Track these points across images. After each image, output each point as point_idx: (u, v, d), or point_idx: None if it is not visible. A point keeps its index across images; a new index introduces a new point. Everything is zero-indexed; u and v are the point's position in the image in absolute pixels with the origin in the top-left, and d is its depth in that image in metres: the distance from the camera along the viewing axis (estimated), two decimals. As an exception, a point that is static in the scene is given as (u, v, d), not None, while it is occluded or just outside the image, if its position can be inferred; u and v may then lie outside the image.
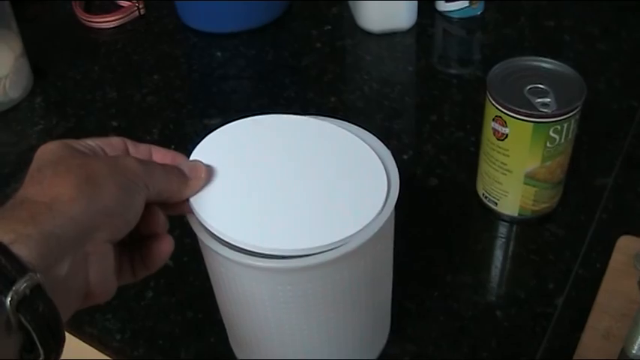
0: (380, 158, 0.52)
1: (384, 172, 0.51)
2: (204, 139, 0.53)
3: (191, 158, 0.51)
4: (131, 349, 0.63)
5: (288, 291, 0.48)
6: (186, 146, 0.53)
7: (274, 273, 0.48)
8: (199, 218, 0.48)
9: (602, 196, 0.72)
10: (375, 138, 0.54)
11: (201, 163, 0.50)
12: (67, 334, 0.65)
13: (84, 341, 0.65)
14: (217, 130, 0.54)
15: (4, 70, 0.91)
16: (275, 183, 0.50)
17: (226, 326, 0.59)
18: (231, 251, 0.47)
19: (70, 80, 0.97)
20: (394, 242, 0.55)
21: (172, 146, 0.81)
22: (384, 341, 0.61)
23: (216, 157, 0.51)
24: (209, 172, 0.50)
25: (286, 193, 0.49)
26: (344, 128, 0.55)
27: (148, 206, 0.46)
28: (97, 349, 0.65)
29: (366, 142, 0.53)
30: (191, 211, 0.49)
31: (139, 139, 0.84)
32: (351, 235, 0.47)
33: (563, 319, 0.62)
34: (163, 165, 0.48)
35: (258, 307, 0.51)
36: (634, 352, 0.39)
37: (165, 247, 0.49)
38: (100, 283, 0.43)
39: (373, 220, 0.48)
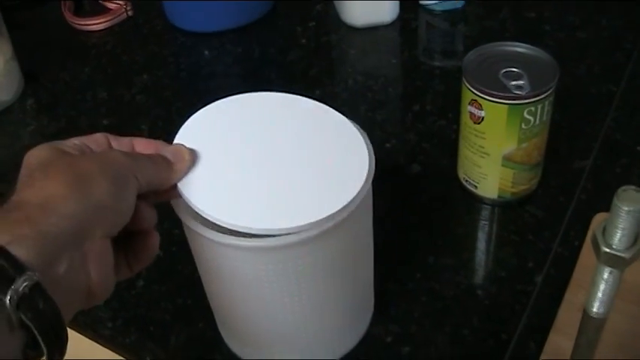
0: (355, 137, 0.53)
1: (365, 148, 0.52)
2: (187, 122, 0.54)
3: (175, 142, 0.53)
4: (123, 337, 0.65)
5: (269, 270, 0.50)
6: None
7: (255, 252, 0.49)
8: (189, 202, 0.49)
9: (580, 178, 0.74)
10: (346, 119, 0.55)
11: (184, 146, 0.51)
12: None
13: (76, 330, 0.66)
14: (199, 112, 0.55)
15: (-5, 73, 0.92)
16: (258, 162, 0.51)
17: (213, 310, 0.60)
18: (212, 231, 0.48)
19: (60, 82, 0.98)
20: (378, 227, 0.56)
21: (161, 142, 0.83)
22: (368, 321, 0.62)
23: (200, 139, 0.53)
24: (192, 155, 0.51)
25: (268, 171, 0.51)
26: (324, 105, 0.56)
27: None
28: (89, 337, 0.66)
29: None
30: (180, 196, 0.50)
31: (129, 136, 0.86)
32: (332, 213, 0.48)
33: (542, 296, 0.64)
34: (148, 155, 0.49)
35: (242, 287, 0.52)
36: (594, 310, 0.40)
37: (152, 241, 0.51)
38: (102, 280, 0.44)
39: (351, 197, 0.49)
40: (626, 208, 0.35)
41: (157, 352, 0.63)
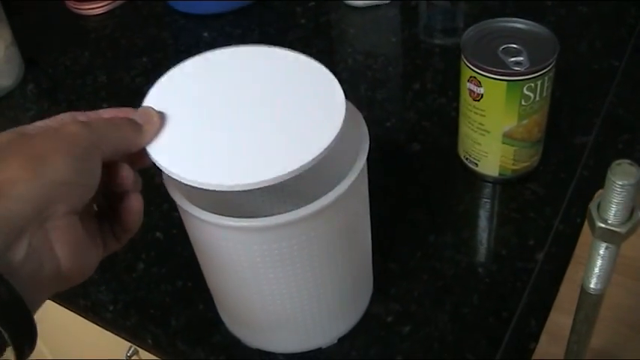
0: (350, 116, 0.52)
1: (340, 93, 0.50)
2: (155, 84, 0.53)
3: (143, 104, 0.51)
4: (123, 320, 0.65)
5: (263, 250, 0.50)
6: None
7: (247, 232, 0.49)
8: (160, 166, 0.48)
9: (582, 155, 0.73)
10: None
11: (152, 108, 0.50)
12: (66, 311, 0.66)
13: (77, 314, 0.67)
14: (169, 73, 0.54)
15: (-5, 58, 0.92)
16: (230, 118, 0.50)
17: (212, 292, 0.60)
18: (203, 212, 0.48)
19: (60, 67, 0.98)
20: (378, 206, 0.56)
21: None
22: (367, 301, 0.62)
23: (171, 100, 0.51)
24: (162, 117, 0.50)
25: (241, 127, 0.49)
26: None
27: (113, 164, 0.46)
28: (90, 320, 0.67)
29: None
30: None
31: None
32: (310, 159, 0.46)
33: (543, 273, 0.63)
34: (110, 119, 0.48)
35: (237, 269, 0.52)
36: (592, 286, 0.40)
37: (135, 204, 0.49)
38: (71, 258, 0.42)
39: (346, 174, 0.49)
40: (620, 183, 0.35)
41: (157, 334, 0.63)
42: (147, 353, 0.68)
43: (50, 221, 0.41)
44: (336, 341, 0.60)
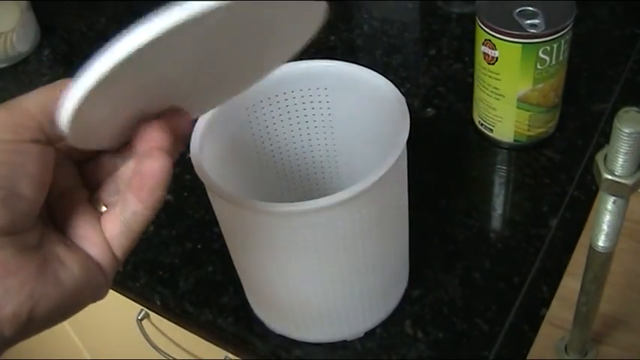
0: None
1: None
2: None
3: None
4: (132, 281, 0.65)
5: (307, 235, 0.47)
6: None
7: (292, 217, 0.46)
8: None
9: (600, 121, 0.72)
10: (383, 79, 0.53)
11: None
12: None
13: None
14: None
15: (11, 24, 0.92)
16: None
17: (241, 278, 0.59)
18: (249, 200, 0.46)
19: (76, 33, 0.98)
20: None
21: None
22: (399, 297, 0.60)
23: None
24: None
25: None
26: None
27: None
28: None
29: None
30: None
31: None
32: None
33: (556, 240, 0.62)
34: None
35: (278, 255, 0.50)
36: (600, 244, 0.39)
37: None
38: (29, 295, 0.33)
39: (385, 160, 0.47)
40: (627, 131, 0.34)
41: (165, 295, 0.63)
42: (157, 317, 0.68)
43: None
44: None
